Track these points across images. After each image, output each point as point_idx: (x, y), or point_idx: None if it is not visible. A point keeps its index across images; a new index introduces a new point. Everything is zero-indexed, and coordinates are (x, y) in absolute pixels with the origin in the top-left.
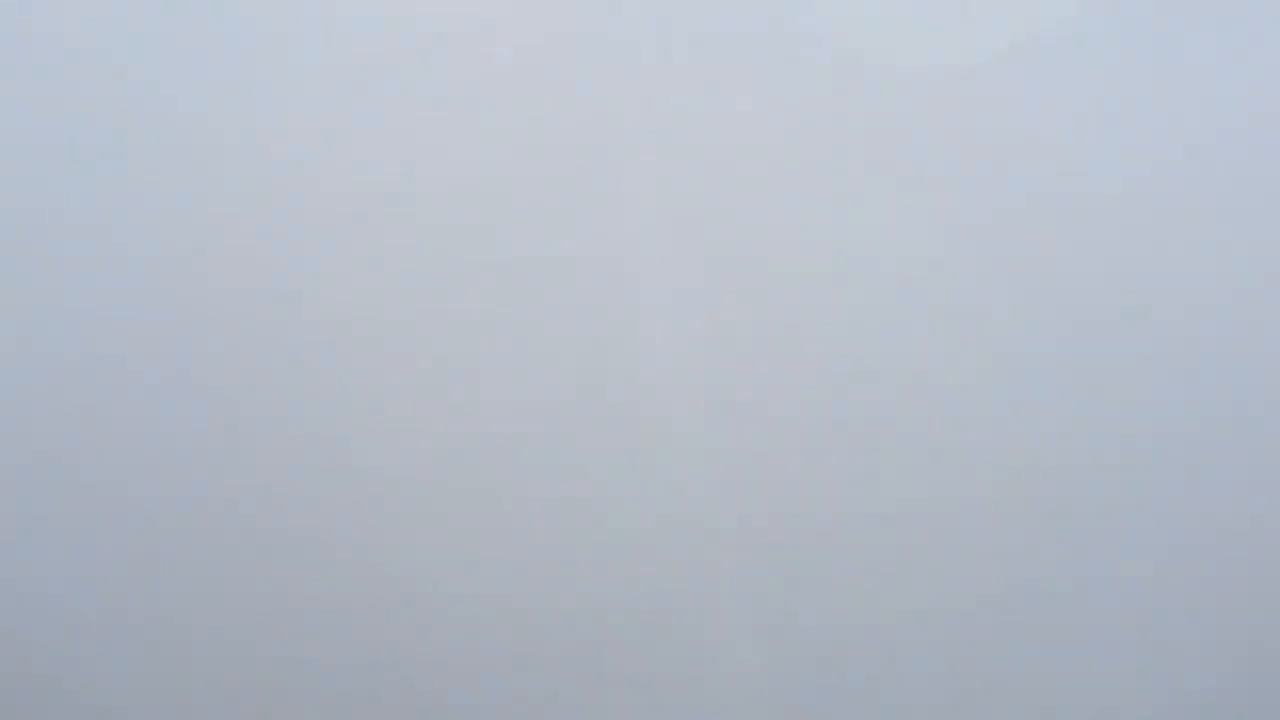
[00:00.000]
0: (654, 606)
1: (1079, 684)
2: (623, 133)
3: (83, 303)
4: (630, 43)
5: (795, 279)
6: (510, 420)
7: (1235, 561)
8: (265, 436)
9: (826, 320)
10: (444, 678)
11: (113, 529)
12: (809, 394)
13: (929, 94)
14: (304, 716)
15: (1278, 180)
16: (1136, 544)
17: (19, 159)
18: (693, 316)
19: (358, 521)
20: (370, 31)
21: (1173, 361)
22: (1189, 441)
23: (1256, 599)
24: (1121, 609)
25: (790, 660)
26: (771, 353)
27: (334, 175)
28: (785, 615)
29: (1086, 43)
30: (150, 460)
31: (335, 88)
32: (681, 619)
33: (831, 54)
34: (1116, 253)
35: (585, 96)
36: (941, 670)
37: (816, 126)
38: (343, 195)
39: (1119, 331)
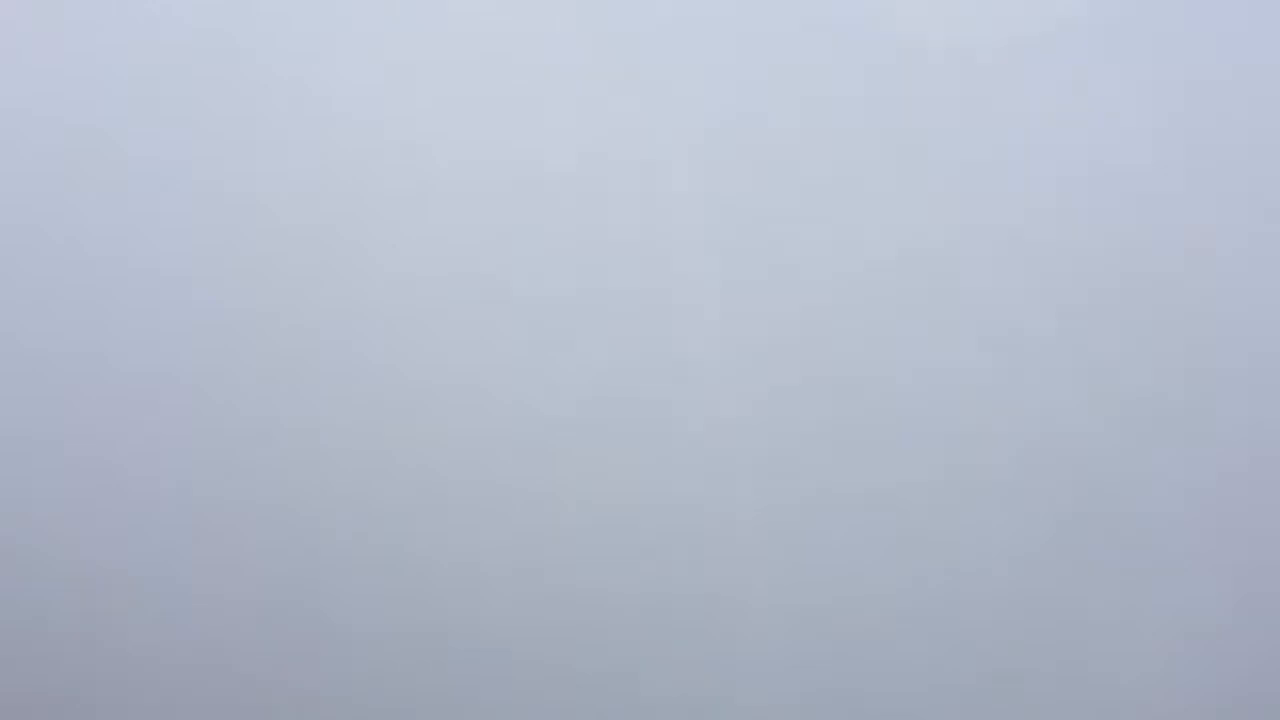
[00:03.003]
0: (681, 598)
1: (1099, 673)
2: (652, 125)
3: (86, 304)
4: (656, 34)
5: (823, 270)
6: (542, 418)
7: (1246, 557)
8: (308, 429)
9: (852, 312)
10: (473, 666)
11: (112, 529)
12: (837, 384)
13: (955, 83)
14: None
15: None
16: (1162, 523)
17: (20, 162)
18: (721, 309)
19: (392, 518)
20: (402, 22)
21: (1186, 349)
22: (1203, 437)
23: (1265, 596)
24: (1137, 597)
25: (816, 649)
26: (800, 343)
27: (369, 169)
28: (812, 605)
29: (1108, 29)
30: (155, 460)
31: (361, 76)
32: (707, 612)
33: (860, 43)
34: (1139, 246)
35: (614, 89)
36: (965, 660)
37: (844, 117)
38: (376, 192)
39: (1141, 321)
